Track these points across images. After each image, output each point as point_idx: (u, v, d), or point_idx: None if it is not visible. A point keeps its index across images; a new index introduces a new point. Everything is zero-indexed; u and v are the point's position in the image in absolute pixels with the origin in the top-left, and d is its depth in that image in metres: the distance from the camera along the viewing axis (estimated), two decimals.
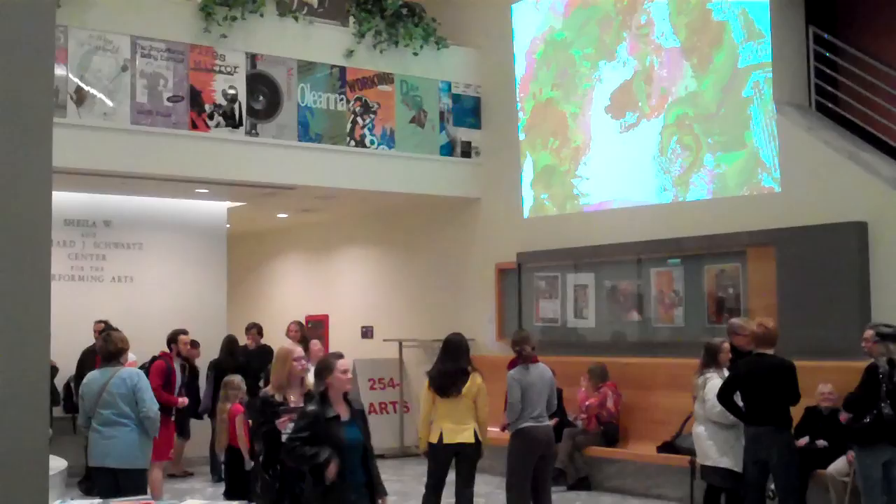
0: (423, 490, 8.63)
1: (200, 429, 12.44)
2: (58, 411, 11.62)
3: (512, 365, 8.75)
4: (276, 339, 13.57)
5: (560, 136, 13.10)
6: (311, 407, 6.21)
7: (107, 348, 7.72)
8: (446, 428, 8.23)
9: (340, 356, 6.39)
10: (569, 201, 13.02)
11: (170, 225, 13.59)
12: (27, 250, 2.29)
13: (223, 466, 9.81)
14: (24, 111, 2.31)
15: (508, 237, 13.48)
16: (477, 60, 14.06)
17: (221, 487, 11.57)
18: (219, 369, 12.08)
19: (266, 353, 13.04)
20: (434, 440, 8.30)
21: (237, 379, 9.69)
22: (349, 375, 6.31)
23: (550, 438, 8.69)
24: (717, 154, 11.39)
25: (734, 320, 9.34)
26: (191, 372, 12.57)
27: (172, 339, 11.01)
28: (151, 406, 7.57)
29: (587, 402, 11.57)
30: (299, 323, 13.27)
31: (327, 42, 12.86)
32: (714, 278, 11.36)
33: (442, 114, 13.74)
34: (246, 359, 12.42)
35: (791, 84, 11.07)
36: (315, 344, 10.57)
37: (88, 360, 10.86)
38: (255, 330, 13.24)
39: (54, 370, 10.97)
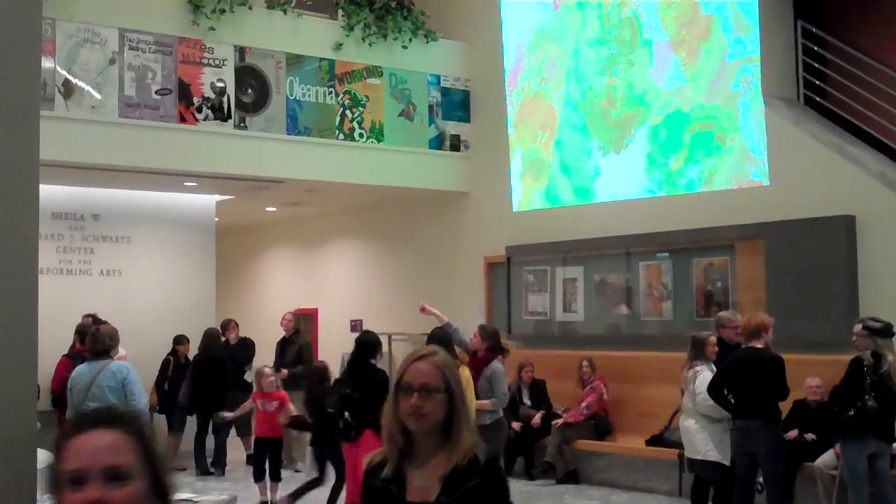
0: None
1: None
2: (45, 405, 11.56)
3: (475, 360, 8.71)
4: (265, 332, 13.57)
5: (549, 129, 13.09)
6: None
7: (95, 345, 7.71)
8: None
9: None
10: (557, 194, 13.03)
11: (158, 218, 13.55)
12: (14, 243, 2.28)
13: (253, 457, 10.36)
14: (12, 104, 2.30)
15: (497, 231, 13.47)
16: (466, 54, 14.04)
17: (208, 481, 11.58)
18: (200, 363, 12.06)
19: (248, 345, 13.03)
20: None
21: (267, 370, 9.96)
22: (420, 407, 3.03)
23: None
24: (706, 148, 11.40)
25: (722, 313, 9.35)
26: (181, 367, 12.54)
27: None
28: (140, 399, 7.61)
29: (586, 402, 11.51)
30: (294, 314, 13.19)
31: (316, 35, 12.83)
32: (703, 272, 11.38)
33: (431, 107, 13.72)
34: (228, 352, 12.39)
35: (779, 78, 11.09)
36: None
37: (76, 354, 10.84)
38: (234, 324, 13.22)
39: None
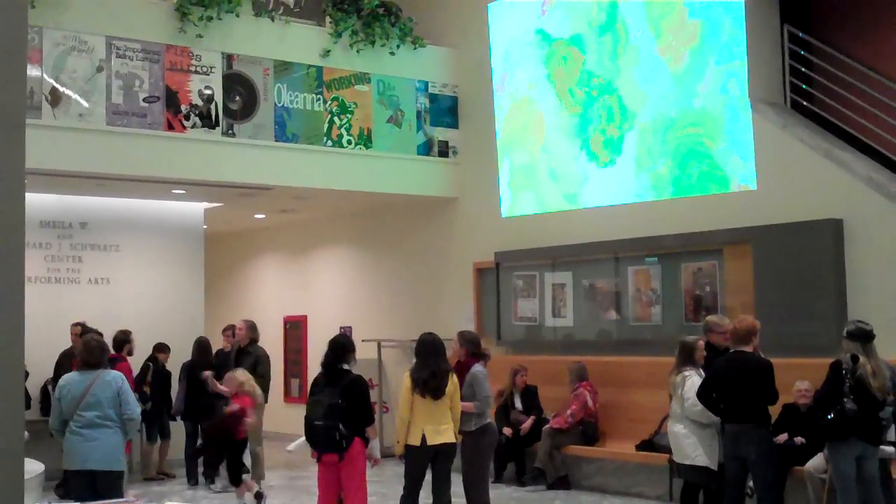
0: (402, 491, 8.56)
1: (175, 431, 12.41)
2: (33, 414, 11.51)
3: (458, 366, 8.70)
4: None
5: (537, 134, 13.11)
6: None
7: (89, 356, 7.65)
8: (428, 430, 8.14)
9: None
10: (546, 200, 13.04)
11: (146, 226, 13.52)
12: (1, 252, 2.27)
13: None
14: None
15: (486, 236, 13.48)
16: (454, 60, 14.06)
17: (199, 490, 11.55)
18: (192, 371, 12.02)
19: (243, 353, 12.93)
20: (416, 442, 8.15)
21: (238, 373, 9.90)
22: None
23: None
24: (693, 152, 11.43)
25: (710, 318, 9.36)
26: (160, 375, 12.48)
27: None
28: (135, 409, 7.62)
29: (570, 410, 11.48)
30: (248, 322, 12.15)
31: (304, 42, 12.83)
32: (691, 276, 11.40)
33: (419, 113, 13.73)
34: (220, 360, 12.32)
35: (766, 82, 11.13)
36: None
37: (65, 363, 10.81)
38: (231, 331, 13.09)
39: (25, 375, 10.85)
